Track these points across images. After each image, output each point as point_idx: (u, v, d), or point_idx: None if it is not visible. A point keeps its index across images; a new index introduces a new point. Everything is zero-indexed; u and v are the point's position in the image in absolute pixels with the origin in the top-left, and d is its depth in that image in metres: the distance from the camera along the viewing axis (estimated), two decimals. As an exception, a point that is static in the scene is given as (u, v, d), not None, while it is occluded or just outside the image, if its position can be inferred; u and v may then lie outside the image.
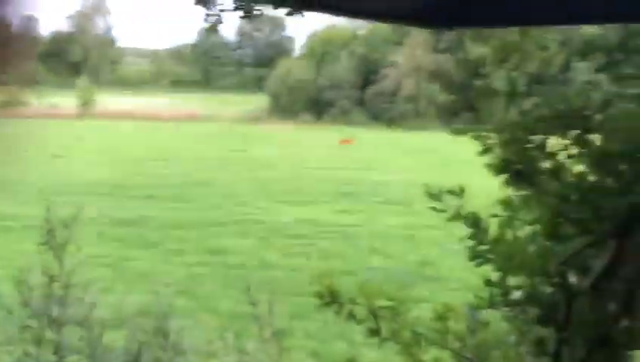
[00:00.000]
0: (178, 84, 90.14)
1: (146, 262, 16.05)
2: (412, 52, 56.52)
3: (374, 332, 3.43)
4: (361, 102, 58.75)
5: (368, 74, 60.06)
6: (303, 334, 11.10)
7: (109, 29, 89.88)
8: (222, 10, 6.00)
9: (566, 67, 51.54)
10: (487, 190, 2.92)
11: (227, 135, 45.64)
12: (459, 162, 31.20)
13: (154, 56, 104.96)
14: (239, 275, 14.04)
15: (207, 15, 5.95)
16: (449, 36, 55.87)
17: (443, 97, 51.92)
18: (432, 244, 17.73)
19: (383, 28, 61.04)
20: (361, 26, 67.10)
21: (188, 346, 6.18)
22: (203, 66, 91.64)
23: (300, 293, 13.51)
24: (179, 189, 25.44)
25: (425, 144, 40.49)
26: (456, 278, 14.90)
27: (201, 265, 15.87)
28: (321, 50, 63.80)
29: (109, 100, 61.17)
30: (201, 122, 55.29)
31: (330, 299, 3.59)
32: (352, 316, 3.47)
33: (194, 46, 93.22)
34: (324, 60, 62.10)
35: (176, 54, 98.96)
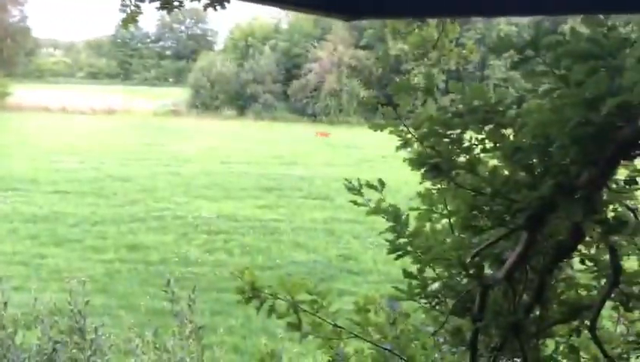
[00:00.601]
0: (96, 76, 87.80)
1: (62, 259, 15.59)
2: (334, 47, 56.82)
3: (295, 327, 3.44)
4: (284, 97, 58.67)
5: (291, 68, 60.03)
6: (225, 330, 11.02)
7: (24, 19, 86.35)
8: (140, 1, 5.84)
9: (483, 64, 53.00)
10: (409, 184, 2.97)
11: (145, 128, 44.75)
12: (381, 156, 31.68)
13: (71, 47, 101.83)
14: (159, 272, 13.82)
15: (124, 5, 5.79)
16: (370, 32, 56.51)
17: (365, 92, 52.38)
18: (354, 238, 17.94)
19: (304, 22, 61.15)
20: (283, 20, 67.13)
21: (106, 344, 6.04)
22: (122, 58, 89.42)
23: (222, 289, 13.44)
24: (95, 184, 24.79)
25: (347, 138, 40.84)
26: (378, 271, 15.16)
27: (120, 261, 15.54)
28: (244, 44, 63.31)
29: (24, 92, 58.93)
30: (119, 115, 53.97)
31: (251, 294, 3.57)
32: (273, 311, 3.47)
33: (112, 38, 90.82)
34: (247, 54, 61.65)
35: (94, 46, 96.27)
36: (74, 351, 5.79)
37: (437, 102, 2.48)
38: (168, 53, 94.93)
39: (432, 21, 6.80)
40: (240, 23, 66.60)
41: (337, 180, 24.18)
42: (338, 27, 55.96)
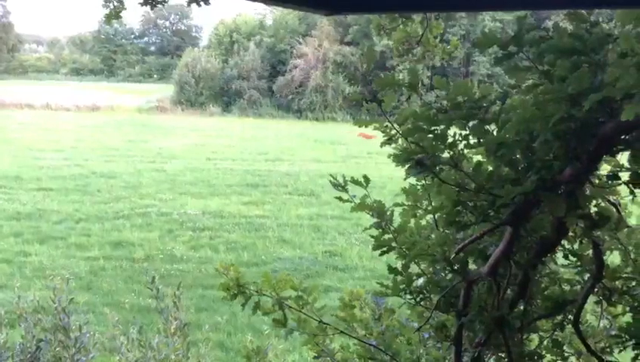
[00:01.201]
0: (79, 72, 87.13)
1: (46, 256, 15.48)
2: (319, 43, 56.71)
3: (280, 323, 3.44)
4: (269, 93, 58.47)
5: (276, 64, 59.85)
6: (211, 327, 11.00)
7: (6, 14, 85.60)
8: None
9: (468, 61, 53.15)
10: (394, 180, 2.98)
11: (130, 125, 44.47)
12: (367, 153, 31.70)
13: (54, 43, 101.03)
14: (144, 269, 13.75)
15: (107, 1, 5.73)
16: (355, 28, 56.46)
17: (350, 89, 52.03)
18: (339, 234, 17.95)
19: (289, 18, 61.00)
20: (268, 16, 66.93)
21: (90, 342, 6.00)
22: (105, 54, 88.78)
23: (208, 286, 13.41)
24: (79, 181, 24.63)
25: (333, 135, 40.82)
26: (363, 267, 15.18)
27: (105, 258, 15.46)
28: (229, 40, 63.03)
29: (7, 89, 58.40)
30: (103, 112, 53.62)
31: (237, 290, 3.57)
32: (258, 307, 3.46)
33: (96, 33, 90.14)
34: (232, 50, 61.37)
35: (78, 42, 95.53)
36: (58, 349, 5.76)
37: (422, 99, 2.48)
38: (152, 49, 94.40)
39: (417, 17, 6.81)
40: (225, 19, 66.32)
41: (323, 176, 24.15)
42: (323, 23, 55.88)
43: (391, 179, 18.34)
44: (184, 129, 43.36)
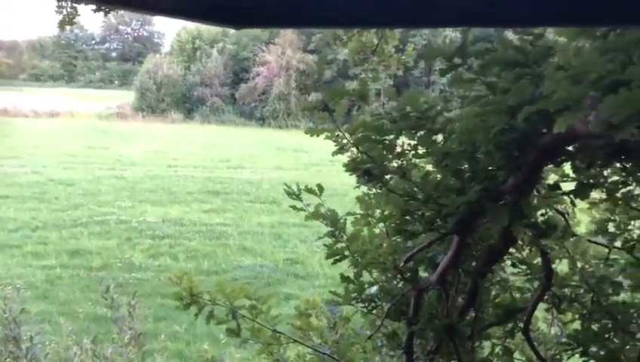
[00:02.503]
0: (39, 78, 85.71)
1: (1, 265, 15.12)
2: (282, 51, 56.71)
3: (234, 332, 3.42)
4: (232, 101, 58.23)
5: (239, 72, 59.66)
6: (169, 336, 10.88)
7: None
8: (75, 2, 5.71)
9: (429, 69, 53.67)
10: (356, 188, 2.97)
11: (89, 131, 43.83)
12: (329, 160, 31.74)
13: (13, 48, 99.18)
14: (101, 278, 13.55)
15: (59, 7, 5.65)
16: (318, 36, 56.58)
17: (312, 97, 51.66)
18: (301, 242, 17.92)
19: (253, 26, 60.79)
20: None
21: (42, 353, 5.89)
22: (65, 60, 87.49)
23: (166, 295, 13.24)
24: (37, 188, 24.17)
25: (296, 143, 40.79)
26: (324, 275, 15.18)
27: (62, 267, 15.18)
28: (191, 46, 62.62)
29: (-38, 94, 57.10)
30: (62, 118, 52.75)
31: (190, 300, 3.53)
32: (212, 317, 3.44)
33: (56, 38, 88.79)
34: (194, 56, 61.00)
35: (37, 47, 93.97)
36: (8, 360, 5.63)
37: (383, 107, 2.50)
38: (114, 55, 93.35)
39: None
40: (187, 25, 65.88)
41: (285, 184, 24.02)
42: (287, 31, 55.90)
43: (352, 187, 18.37)
44: (145, 136, 42.87)
